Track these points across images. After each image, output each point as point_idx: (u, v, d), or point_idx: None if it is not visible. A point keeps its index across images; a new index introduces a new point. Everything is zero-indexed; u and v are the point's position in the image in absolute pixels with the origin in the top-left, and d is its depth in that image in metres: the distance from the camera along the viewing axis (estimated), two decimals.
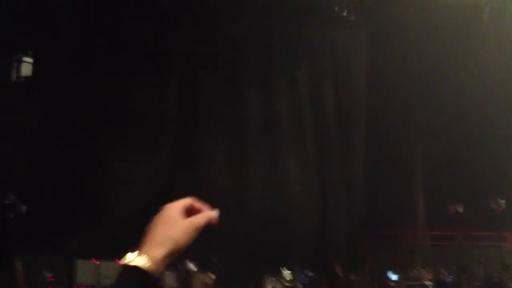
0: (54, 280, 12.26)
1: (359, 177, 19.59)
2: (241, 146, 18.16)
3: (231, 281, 14.65)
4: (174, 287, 13.22)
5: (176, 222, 1.36)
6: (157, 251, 1.32)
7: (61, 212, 15.11)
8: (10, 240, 9.76)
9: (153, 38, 16.89)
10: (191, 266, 13.48)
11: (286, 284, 14.56)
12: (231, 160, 17.83)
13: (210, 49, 17.57)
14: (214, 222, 1.41)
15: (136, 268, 1.31)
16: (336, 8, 18.36)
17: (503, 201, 17.07)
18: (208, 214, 1.40)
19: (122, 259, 1.33)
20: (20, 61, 10.72)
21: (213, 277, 13.19)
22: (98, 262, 11.91)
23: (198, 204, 1.41)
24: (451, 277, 17.13)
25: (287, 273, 14.74)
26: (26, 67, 10.73)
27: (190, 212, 1.39)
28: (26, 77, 10.87)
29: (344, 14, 18.47)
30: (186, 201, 1.40)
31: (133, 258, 1.32)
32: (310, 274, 15.77)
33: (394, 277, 17.19)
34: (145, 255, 1.32)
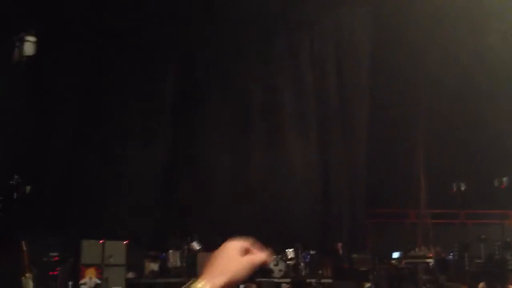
0: (60, 260, 12.38)
1: (361, 156, 19.63)
2: (242, 130, 18.17)
3: None
4: (178, 265, 13.34)
5: (236, 258, 1.57)
6: (218, 279, 1.50)
7: (64, 194, 15.23)
8: (16, 221, 9.85)
9: (151, 21, 16.79)
10: (195, 245, 13.60)
11: (288, 262, 14.70)
12: (232, 143, 17.85)
13: (208, 31, 17.46)
14: (267, 264, 1.66)
15: None
16: None
17: (505, 179, 17.06)
18: (264, 256, 1.61)
19: (188, 284, 1.50)
20: (23, 40, 10.64)
21: None
22: (102, 242, 11.99)
23: (254, 246, 1.62)
24: (453, 254, 17.26)
25: (289, 251, 14.88)
26: (29, 46, 10.66)
27: (246, 252, 1.60)
28: (29, 57, 10.81)
29: None
30: (245, 242, 1.62)
31: (197, 284, 1.49)
32: (312, 252, 15.91)
33: (395, 255, 17.33)
34: (207, 283, 1.49)
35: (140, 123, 16.46)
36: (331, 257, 16.66)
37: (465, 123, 19.06)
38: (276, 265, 14.35)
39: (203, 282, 1.48)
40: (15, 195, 9.92)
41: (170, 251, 13.43)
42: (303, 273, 15.28)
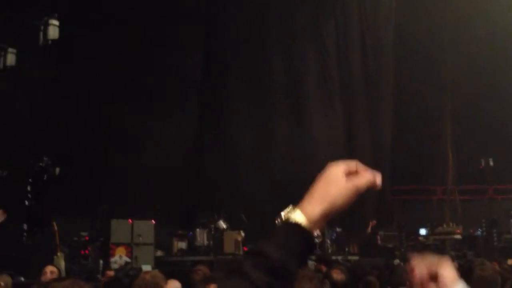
0: (90, 239, 12.64)
1: (387, 133, 19.47)
2: (267, 107, 18.11)
3: (260, 239, 14.89)
4: (205, 243, 13.50)
5: (338, 181, 1.32)
6: (315, 210, 1.31)
7: (93, 174, 15.47)
8: (46, 202, 10.07)
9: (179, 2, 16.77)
10: (222, 224, 13.72)
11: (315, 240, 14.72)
12: (257, 121, 17.83)
13: (234, 8, 17.39)
14: (376, 186, 1.35)
15: (296, 225, 1.30)
16: None
17: None
18: (370, 177, 1.34)
19: (282, 213, 1.33)
20: (47, 24, 10.74)
21: (243, 234, 13.42)
22: (131, 221, 12.18)
23: (362, 167, 1.36)
24: (481, 230, 17.11)
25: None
26: (53, 30, 10.75)
27: (353, 175, 1.34)
28: (53, 40, 10.91)
29: None
30: (351, 163, 1.36)
31: (292, 215, 1.32)
32: (338, 229, 15.92)
33: (423, 231, 17.25)
34: (303, 212, 1.31)
35: (166, 101, 16.50)
36: (358, 235, 16.66)
37: (493, 98, 18.71)
38: None
39: (297, 211, 1.31)
40: (45, 177, 10.12)
41: (198, 229, 13.58)
42: (330, 250, 15.32)
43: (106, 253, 11.66)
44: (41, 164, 10.08)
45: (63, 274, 8.37)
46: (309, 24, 19.07)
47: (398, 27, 19.33)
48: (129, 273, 9.94)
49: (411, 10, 18.55)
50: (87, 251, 12.27)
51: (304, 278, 2.53)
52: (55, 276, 6.30)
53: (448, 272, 1.39)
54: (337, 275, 5.29)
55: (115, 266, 10.87)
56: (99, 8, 15.55)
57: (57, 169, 10.24)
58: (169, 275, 4.71)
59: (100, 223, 12.30)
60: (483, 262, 4.59)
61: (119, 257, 11.63)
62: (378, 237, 16.31)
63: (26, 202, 9.94)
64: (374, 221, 16.65)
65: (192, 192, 16.54)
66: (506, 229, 16.66)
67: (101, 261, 11.38)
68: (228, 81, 17.90)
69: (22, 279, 7.67)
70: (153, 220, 12.46)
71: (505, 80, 18.42)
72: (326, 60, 19.13)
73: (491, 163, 17.39)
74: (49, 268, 6.45)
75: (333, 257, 13.24)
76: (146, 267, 10.12)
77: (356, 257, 14.74)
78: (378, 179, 1.35)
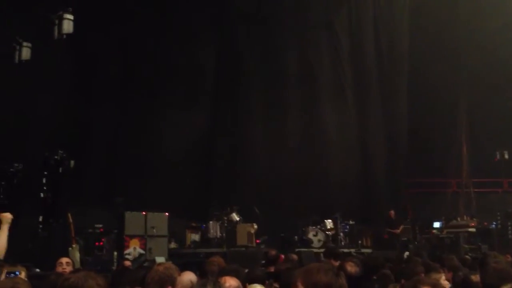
0: (105, 231, 12.75)
1: (402, 126, 19.34)
2: (280, 98, 18.07)
3: (273, 231, 14.94)
4: (218, 236, 13.55)
5: None
6: None
7: (108, 168, 15.59)
8: (61, 194, 10.17)
9: None
10: (235, 216, 13.77)
11: (328, 232, 14.72)
12: (270, 113, 17.80)
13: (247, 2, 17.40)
14: None
15: None
16: None
17: None
18: None
19: None
20: (61, 18, 10.79)
21: (256, 227, 13.46)
22: (145, 213, 12.26)
23: None
24: (496, 223, 17.00)
25: (328, 222, 14.88)
26: (68, 24, 10.80)
27: None
28: (68, 34, 10.95)
29: None
30: None
31: None
32: (351, 222, 15.90)
33: (437, 224, 17.17)
34: None
35: (180, 95, 16.53)
36: (371, 227, 16.62)
37: (509, 91, 18.53)
38: (316, 235, 14.40)
39: None
40: (60, 170, 10.21)
41: (211, 222, 13.64)
42: (343, 243, 15.31)
43: (121, 245, 11.75)
44: (56, 157, 10.15)
45: (78, 265, 8.47)
46: (322, 10, 18.96)
47: (412, 17, 19.17)
48: (143, 265, 10.01)
49: (427, 1, 18.39)
50: (101, 243, 12.38)
51: (320, 271, 2.55)
52: (70, 267, 6.36)
53: None
54: (351, 268, 5.29)
55: (129, 258, 10.94)
56: (113, 2, 15.61)
57: (72, 162, 10.30)
58: (183, 267, 4.75)
59: (115, 215, 12.39)
60: (496, 255, 4.59)
61: (133, 249, 11.72)
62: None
63: (42, 195, 10.01)
64: (393, 211, 16.53)
65: (205, 185, 16.60)
66: None
67: (115, 253, 11.47)
68: (241, 75, 17.89)
69: (38, 270, 7.76)
70: (166, 213, 12.53)
71: None
72: (339, 52, 19.02)
73: (506, 156, 17.27)
74: (65, 260, 6.51)
75: (346, 250, 13.22)
76: (160, 259, 10.20)
77: (369, 250, 14.71)
78: None
